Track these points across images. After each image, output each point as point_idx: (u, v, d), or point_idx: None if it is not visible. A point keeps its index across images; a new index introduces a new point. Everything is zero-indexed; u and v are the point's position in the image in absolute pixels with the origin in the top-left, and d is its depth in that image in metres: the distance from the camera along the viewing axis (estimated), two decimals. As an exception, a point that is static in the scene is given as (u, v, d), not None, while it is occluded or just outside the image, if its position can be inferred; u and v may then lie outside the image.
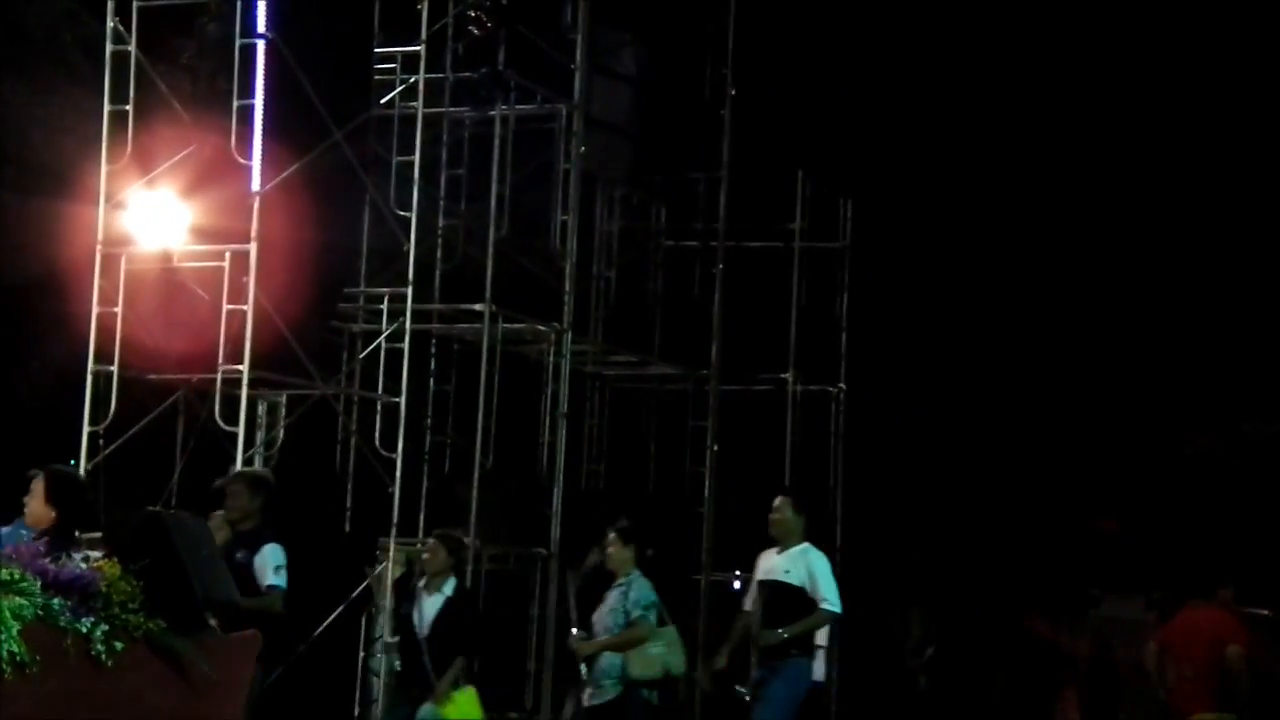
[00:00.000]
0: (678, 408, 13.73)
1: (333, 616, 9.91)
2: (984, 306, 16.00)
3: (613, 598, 8.66)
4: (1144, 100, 15.75)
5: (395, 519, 10.26)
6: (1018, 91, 15.67)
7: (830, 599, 8.31)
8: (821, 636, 8.90)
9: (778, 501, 8.56)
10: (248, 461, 9.71)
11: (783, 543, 8.46)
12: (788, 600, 8.33)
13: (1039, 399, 16.02)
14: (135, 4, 9.70)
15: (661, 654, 8.62)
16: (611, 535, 8.77)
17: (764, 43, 13.72)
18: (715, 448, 13.24)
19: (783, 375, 13.83)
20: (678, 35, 13.19)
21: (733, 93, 13.13)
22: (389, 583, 10.42)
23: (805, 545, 8.40)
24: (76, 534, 6.18)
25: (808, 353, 14.00)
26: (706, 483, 13.18)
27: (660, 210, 14.06)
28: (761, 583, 8.58)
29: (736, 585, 14.00)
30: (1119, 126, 15.84)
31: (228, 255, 9.39)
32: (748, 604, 9.16)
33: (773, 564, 8.48)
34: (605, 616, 8.70)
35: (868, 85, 15.29)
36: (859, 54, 15.19)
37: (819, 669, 8.96)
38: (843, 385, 14.33)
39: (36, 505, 6.40)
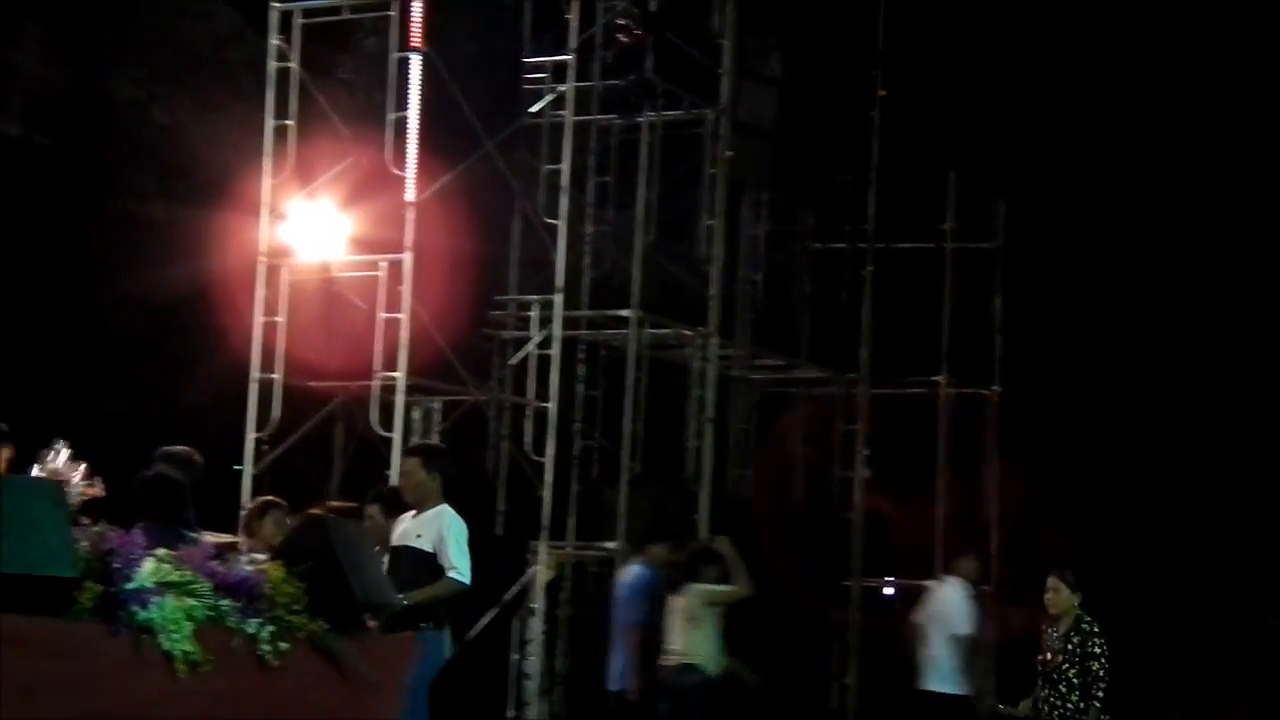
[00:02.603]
0: (826, 411, 13.64)
1: (486, 619, 10.07)
2: (1144, 306, 15.60)
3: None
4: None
5: (546, 523, 10.39)
6: (1179, 86, 15.26)
7: (459, 568, 7.40)
8: None
9: (406, 464, 7.74)
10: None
11: (418, 506, 7.57)
12: (417, 567, 7.44)
13: (1200, 400, 15.57)
14: (297, 22, 9.97)
15: None
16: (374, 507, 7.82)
17: (913, 42, 13.57)
18: (865, 452, 13.13)
19: (935, 378, 13.63)
20: (825, 37, 13.12)
21: (882, 93, 13.02)
22: (541, 585, 10.57)
23: (441, 508, 7.47)
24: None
25: (961, 355, 13.78)
26: (856, 488, 13.07)
27: (808, 213, 14.00)
28: (393, 548, 7.67)
29: (889, 591, 13.87)
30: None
31: (383, 265, 9.61)
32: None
33: (406, 528, 7.63)
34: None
35: (1020, 82, 15.02)
36: (1010, 50, 14.93)
37: (447, 643, 8.05)
38: (997, 388, 14.09)
39: None
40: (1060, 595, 8.38)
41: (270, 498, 7.96)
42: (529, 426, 10.72)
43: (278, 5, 10.04)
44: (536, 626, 10.59)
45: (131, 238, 13.42)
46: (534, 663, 10.65)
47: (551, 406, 10.53)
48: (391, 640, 5.89)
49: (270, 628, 5.00)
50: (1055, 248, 15.17)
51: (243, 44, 12.91)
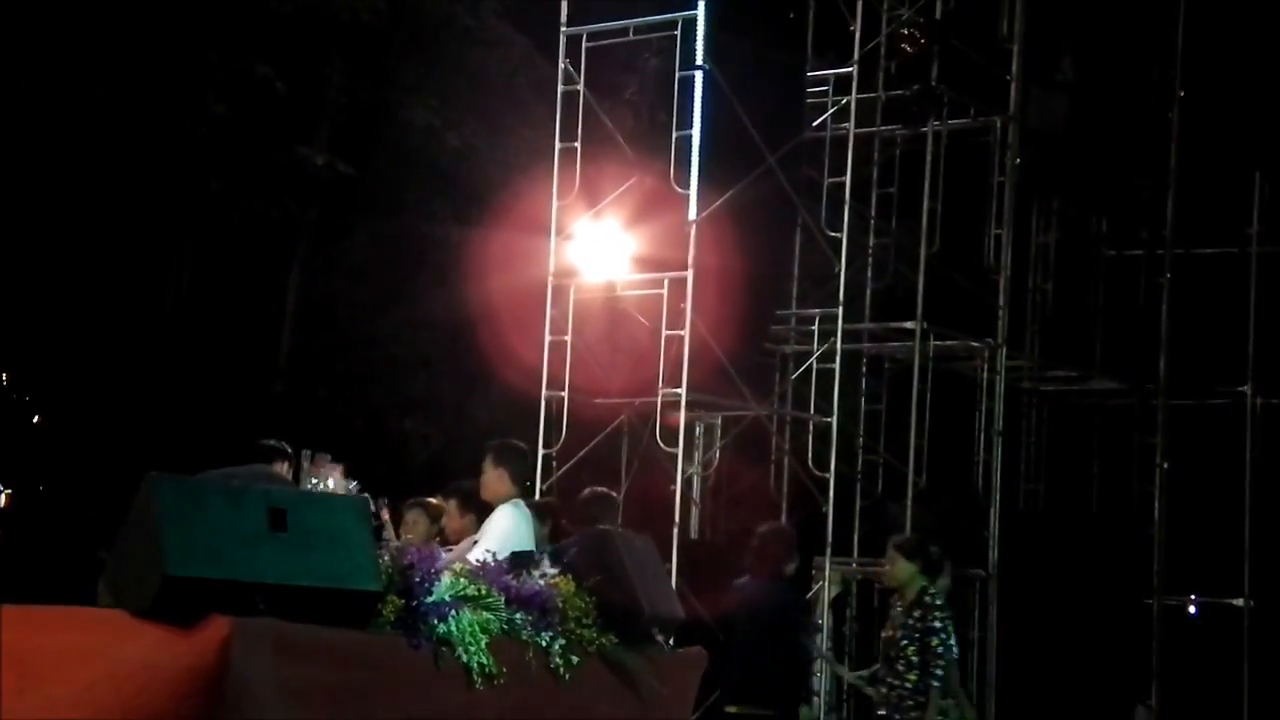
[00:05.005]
0: (1122, 424, 13.14)
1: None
2: None
3: None
4: None
5: (830, 539, 10.31)
6: None
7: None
8: None
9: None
10: (687, 482, 10.01)
11: (492, 503, 6.73)
12: None
13: None
14: (584, 45, 10.18)
15: None
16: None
17: (1213, 38, 12.94)
18: (1165, 466, 12.60)
19: (1240, 388, 13.01)
20: (1120, 39, 12.65)
21: (1181, 94, 12.48)
22: (826, 601, 10.49)
23: (505, 506, 6.52)
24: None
25: (1268, 364, 13.11)
26: (1156, 503, 12.56)
27: (1101, 219, 13.53)
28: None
29: (1192, 610, 13.27)
30: None
31: (666, 283, 9.70)
32: None
33: (482, 527, 6.76)
34: None
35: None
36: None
37: None
38: (1310, 397, 13.33)
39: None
40: (896, 566, 7.67)
41: (420, 498, 7.94)
42: (811, 441, 10.66)
43: (566, 30, 10.27)
44: (823, 643, 10.52)
45: (426, 259, 13.99)
46: (819, 679, 10.57)
47: (834, 421, 10.44)
48: (681, 655, 5.93)
49: (562, 641, 5.10)
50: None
51: (532, 69, 13.29)
